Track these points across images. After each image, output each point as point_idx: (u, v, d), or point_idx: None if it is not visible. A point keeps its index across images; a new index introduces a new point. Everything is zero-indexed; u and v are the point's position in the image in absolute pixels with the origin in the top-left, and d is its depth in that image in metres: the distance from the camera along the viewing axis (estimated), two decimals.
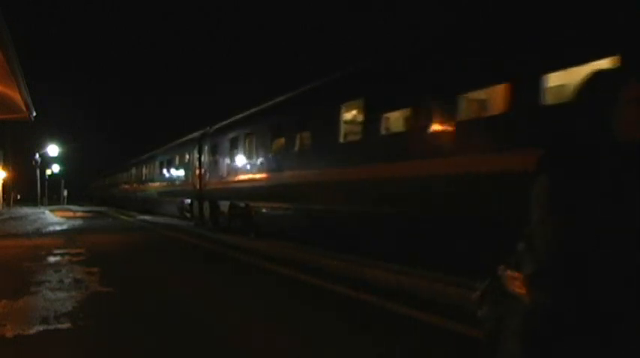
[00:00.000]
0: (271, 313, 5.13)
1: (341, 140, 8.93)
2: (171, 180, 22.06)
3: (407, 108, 7.37)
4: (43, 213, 32.03)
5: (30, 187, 47.39)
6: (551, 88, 5.09)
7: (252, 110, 14.08)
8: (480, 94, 6.34)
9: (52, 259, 9.23)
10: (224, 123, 16.10)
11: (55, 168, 62.87)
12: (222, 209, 15.18)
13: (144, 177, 28.29)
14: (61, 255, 9.83)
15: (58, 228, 18.53)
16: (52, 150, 41.97)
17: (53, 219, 25.45)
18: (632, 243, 1.32)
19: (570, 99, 1.56)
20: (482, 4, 6.77)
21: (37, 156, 40.87)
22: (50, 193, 61.88)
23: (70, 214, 31.00)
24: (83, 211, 35.58)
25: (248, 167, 13.08)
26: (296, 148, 10.69)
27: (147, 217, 24.84)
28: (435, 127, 6.57)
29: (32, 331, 4.38)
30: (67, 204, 59.96)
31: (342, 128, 8.97)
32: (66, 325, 4.56)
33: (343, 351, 3.93)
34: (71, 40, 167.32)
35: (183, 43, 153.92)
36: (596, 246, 1.32)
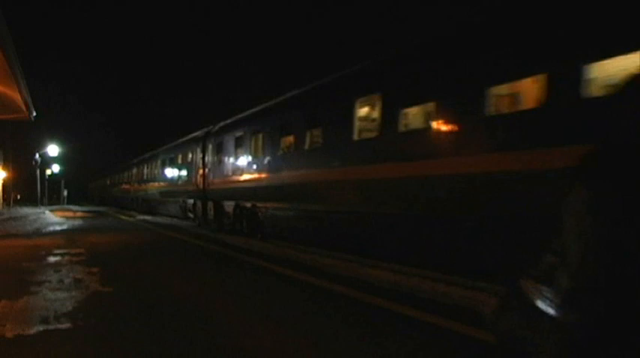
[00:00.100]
0: (273, 314, 5.11)
1: (355, 137, 8.58)
2: (174, 179, 21.77)
3: (430, 102, 7.02)
4: (43, 213, 31.99)
5: (30, 187, 47.31)
6: (594, 79, 4.80)
7: (260, 107, 13.71)
8: (512, 87, 6.03)
9: (52, 259, 9.21)
10: (229, 121, 15.75)
11: (55, 168, 62.88)
12: (227, 209, 14.91)
13: (145, 177, 28.14)
14: (61, 254, 9.81)
15: (58, 228, 18.52)
16: (52, 150, 41.92)
17: (53, 219, 25.43)
18: None
19: (615, 94, 1.36)
20: None
21: (37, 156, 40.82)
22: (50, 193, 61.99)
23: (70, 214, 31.00)
24: (83, 211, 35.59)
25: (255, 166, 12.73)
26: (307, 146, 10.34)
27: (147, 217, 24.84)
28: (461, 123, 6.28)
29: (32, 331, 4.36)
30: (67, 204, 60.01)
31: (357, 125, 8.63)
32: (66, 325, 4.55)
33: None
34: (71, 40, 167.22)
35: (184, 43, 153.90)
36: None
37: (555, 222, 1.31)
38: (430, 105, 7.06)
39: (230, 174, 14.51)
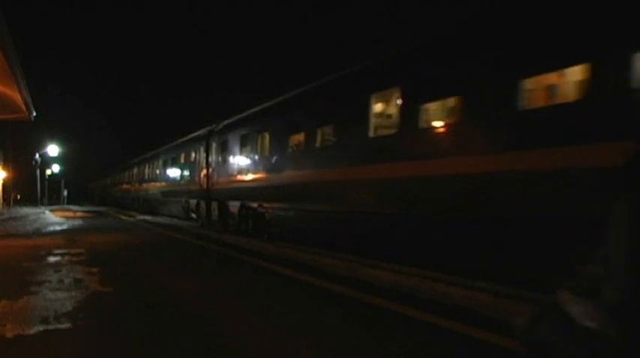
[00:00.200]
0: (273, 314, 5.11)
1: (371, 134, 8.21)
2: (176, 179, 21.38)
3: (455, 96, 6.58)
4: (43, 213, 32.00)
5: (30, 187, 47.33)
6: None
7: (268, 104, 13.27)
8: (549, 78, 5.59)
9: (52, 259, 9.21)
10: (234, 119, 15.34)
11: (55, 168, 62.93)
12: (232, 210, 14.55)
13: (147, 177, 27.92)
14: (61, 254, 9.81)
15: (58, 228, 18.51)
16: (52, 150, 41.97)
17: (53, 219, 25.43)
18: None
19: None
20: None
21: (37, 156, 40.83)
22: (50, 193, 61.97)
23: (70, 214, 30.99)
24: (83, 211, 35.58)
25: (263, 165, 12.28)
26: (317, 144, 9.89)
27: (148, 217, 24.84)
28: (491, 119, 5.90)
29: (32, 331, 4.36)
30: (67, 204, 60.00)
31: (373, 121, 8.22)
32: (66, 325, 4.55)
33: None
34: (71, 40, 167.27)
35: (184, 43, 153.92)
36: None
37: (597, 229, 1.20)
38: (456, 99, 6.58)
39: (235, 173, 14.08)
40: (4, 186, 35.68)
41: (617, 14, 4.69)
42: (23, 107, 16.88)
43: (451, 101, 6.87)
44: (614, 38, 4.63)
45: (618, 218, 1.15)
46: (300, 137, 10.71)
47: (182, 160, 20.67)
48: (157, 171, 25.20)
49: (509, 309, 5.04)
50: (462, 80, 6.39)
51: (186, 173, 19.83)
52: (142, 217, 25.27)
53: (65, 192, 65.16)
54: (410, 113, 7.29)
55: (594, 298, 1.25)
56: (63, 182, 65.31)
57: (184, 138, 21.11)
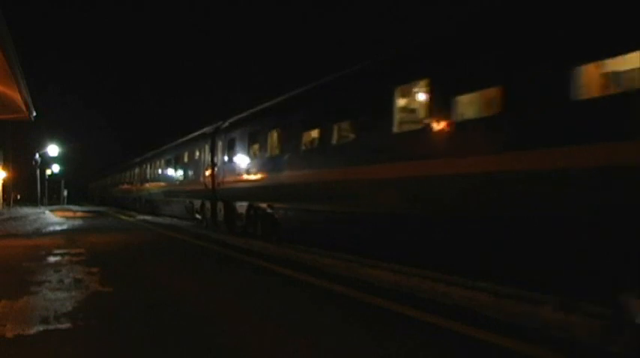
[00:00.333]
0: (273, 314, 5.11)
1: (395, 130, 7.56)
2: (180, 179, 20.74)
3: (494, 87, 5.88)
4: (43, 213, 32.01)
5: (30, 187, 47.37)
6: None
7: (278, 99, 12.64)
8: (607, 65, 4.94)
9: (52, 259, 9.21)
10: (243, 115, 14.71)
11: (55, 168, 62.94)
12: (240, 211, 13.97)
13: (148, 177, 27.51)
14: (61, 254, 9.81)
15: (58, 228, 18.51)
16: (52, 150, 42.00)
17: (53, 219, 25.43)
18: None
19: None
20: None
21: (37, 156, 40.85)
22: (50, 193, 62.01)
23: (70, 214, 30.99)
24: (83, 211, 35.60)
25: (273, 164, 11.61)
26: (334, 141, 9.25)
27: (148, 217, 24.83)
28: (538, 111, 5.25)
29: (32, 331, 4.36)
30: (67, 204, 60.01)
31: (397, 115, 7.58)
32: (66, 325, 4.55)
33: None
34: (71, 40, 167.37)
35: (184, 43, 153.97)
36: None
37: None
38: (495, 91, 5.90)
39: (243, 172, 13.42)
40: (4, 186, 35.69)
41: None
42: (23, 107, 16.89)
43: (488, 93, 6.16)
44: None
45: None
46: (314, 133, 10.16)
47: (186, 159, 20.00)
48: (160, 171, 24.62)
49: (509, 309, 5.05)
50: (498, 71, 5.76)
51: (191, 172, 19.16)
52: (141, 217, 25.26)
53: (65, 192, 65.20)
54: (439, 106, 6.62)
55: None
56: (63, 182, 65.40)
57: (188, 137, 20.42)
